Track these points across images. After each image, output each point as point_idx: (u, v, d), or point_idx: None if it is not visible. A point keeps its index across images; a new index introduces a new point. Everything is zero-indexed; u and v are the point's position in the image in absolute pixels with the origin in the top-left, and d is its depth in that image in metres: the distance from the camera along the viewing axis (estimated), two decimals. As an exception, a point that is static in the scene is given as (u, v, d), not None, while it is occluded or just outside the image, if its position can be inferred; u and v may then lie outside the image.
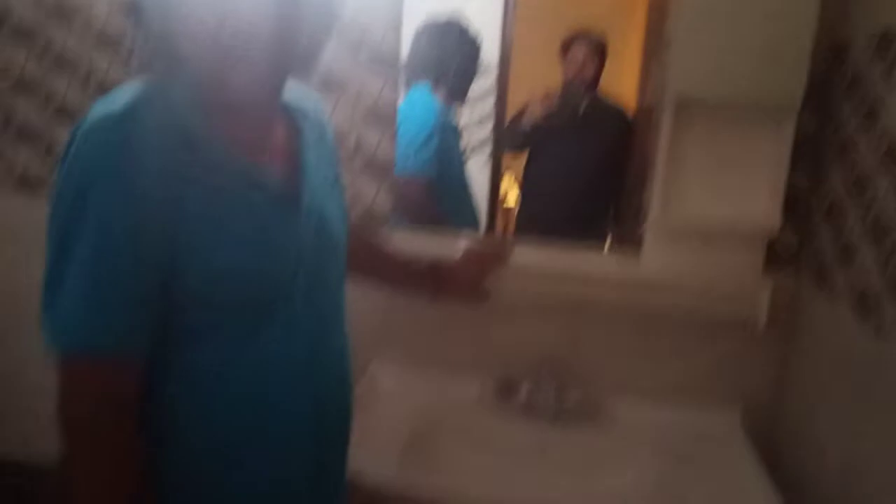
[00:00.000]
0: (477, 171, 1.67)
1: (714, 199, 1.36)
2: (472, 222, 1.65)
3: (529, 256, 1.45)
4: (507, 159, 1.67)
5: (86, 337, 0.76)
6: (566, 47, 1.53)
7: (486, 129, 1.63)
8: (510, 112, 1.60)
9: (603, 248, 1.55)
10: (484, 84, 1.61)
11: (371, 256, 1.23)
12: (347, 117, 1.54)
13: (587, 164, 1.60)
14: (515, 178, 1.72)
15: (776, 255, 1.40)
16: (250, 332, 0.84)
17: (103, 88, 1.65)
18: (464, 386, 1.52)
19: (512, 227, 1.74)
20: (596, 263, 1.46)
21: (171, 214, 0.76)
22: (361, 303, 1.56)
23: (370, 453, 1.21)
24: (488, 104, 1.61)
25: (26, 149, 1.74)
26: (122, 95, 0.78)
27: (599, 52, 1.53)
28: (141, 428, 0.82)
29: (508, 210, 1.69)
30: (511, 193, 1.70)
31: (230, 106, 0.82)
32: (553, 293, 1.44)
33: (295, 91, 0.95)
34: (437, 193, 1.63)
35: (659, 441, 1.37)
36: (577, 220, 1.59)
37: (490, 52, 1.57)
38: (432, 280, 1.23)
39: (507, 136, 1.62)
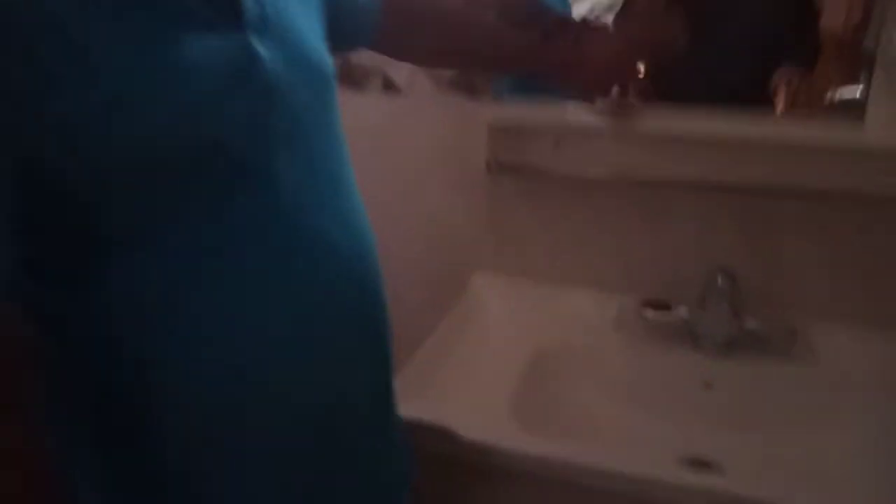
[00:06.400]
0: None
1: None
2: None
3: (681, 124, 1.05)
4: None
5: None
6: None
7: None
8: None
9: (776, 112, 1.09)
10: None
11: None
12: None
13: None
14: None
15: None
16: (203, 225, 0.55)
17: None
18: (597, 306, 1.14)
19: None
20: (789, 131, 1.03)
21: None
22: (458, 204, 1.23)
23: (474, 394, 0.93)
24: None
25: None
26: None
27: None
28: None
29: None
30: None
31: None
32: (724, 178, 1.04)
33: None
34: None
35: (885, 381, 0.96)
36: (738, 81, 1.13)
37: None
38: (556, 55, 0.98)
39: None
